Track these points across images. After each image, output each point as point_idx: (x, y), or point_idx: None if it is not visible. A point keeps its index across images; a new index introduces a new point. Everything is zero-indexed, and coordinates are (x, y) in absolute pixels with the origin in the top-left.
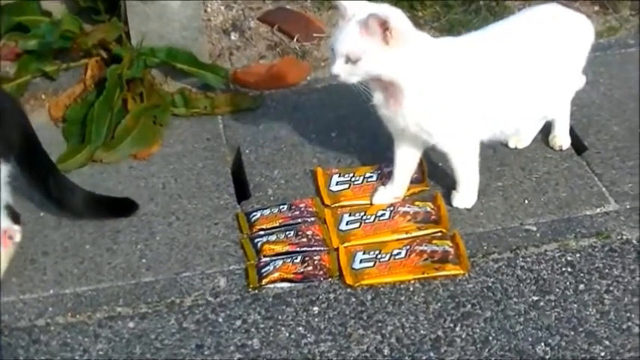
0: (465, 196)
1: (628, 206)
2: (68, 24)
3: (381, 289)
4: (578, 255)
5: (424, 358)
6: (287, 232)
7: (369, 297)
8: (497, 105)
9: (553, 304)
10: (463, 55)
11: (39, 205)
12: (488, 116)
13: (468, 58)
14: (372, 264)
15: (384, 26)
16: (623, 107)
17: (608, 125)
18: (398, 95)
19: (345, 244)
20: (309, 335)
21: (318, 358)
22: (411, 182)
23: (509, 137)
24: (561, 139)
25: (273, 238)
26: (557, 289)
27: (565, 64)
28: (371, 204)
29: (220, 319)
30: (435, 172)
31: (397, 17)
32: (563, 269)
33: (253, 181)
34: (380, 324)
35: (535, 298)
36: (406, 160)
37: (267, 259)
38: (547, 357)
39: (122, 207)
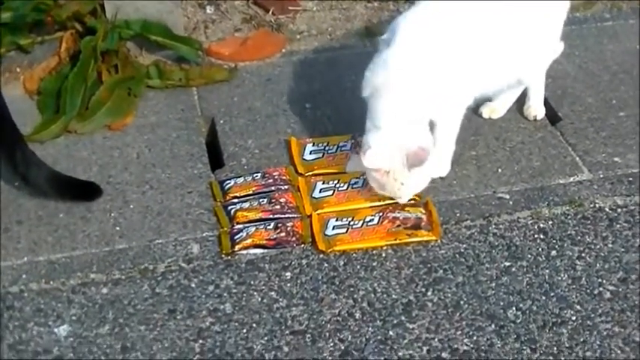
0: (440, 164)
1: (601, 175)
2: None
3: (354, 255)
4: (550, 222)
5: (395, 322)
6: (260, 200)
7: (342, 263)
8: (482, 66)
9: (525, 269)
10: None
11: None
12: (475, 78)
13: (448, 28)
14: (344, 230)
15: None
16: (598, 79)
17: (582, 97)
18: None
19: (318, 211)
20: (281, 300)
21: (289, 322)
22: None
23: (484, 104)
24: (536, 109)
25: (246, 205)
26: (530, 255)
27: (543, 25)
28: (345, 172)
29: (193, 285)
30: None
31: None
32: (536, 236)
33: (227, 151)
34: (352, 289)
35: (507, 263)
36: None
37: (241, 226)
38: (518, 321)
39: (86, 191)
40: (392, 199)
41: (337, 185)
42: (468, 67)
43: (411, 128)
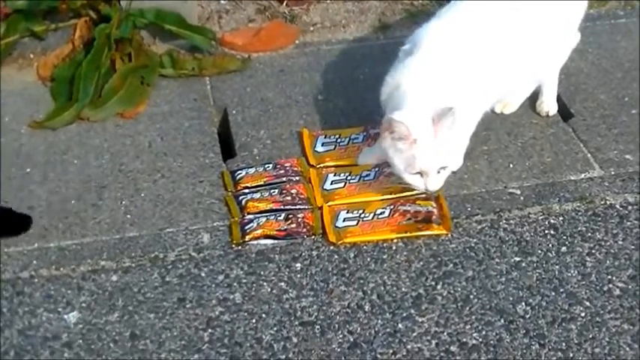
0: None
1: (612, 172)
2: None
3: (364, 247)
4: (561, 218)
5: (405, 314)
6: (271, 191)
7: (352, 255)
8: (503, 72)
9: (535, 265)
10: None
11: (25, 160)
12: (496, 84)
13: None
14: (355, 222)
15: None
16: (611, 76)
17: (595, 93)
18: None
19: (329, 203)
20: (290, 291)
21: (299, 313)
22: None
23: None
24: (548, 105)
25: (257, 195)
26: (540, 251)
27: (562, 25)
28: (356, 164)
29: (203, 274)
30: None
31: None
32: (546, 232)
33: (239, 141)
34: (362, 281)
35: (517, 259)
36: None
37: (251, 216)
38: (527, 316)
39: (15, 222)
40: (404, 190)
41: (348, 177)
42: (490, 74)
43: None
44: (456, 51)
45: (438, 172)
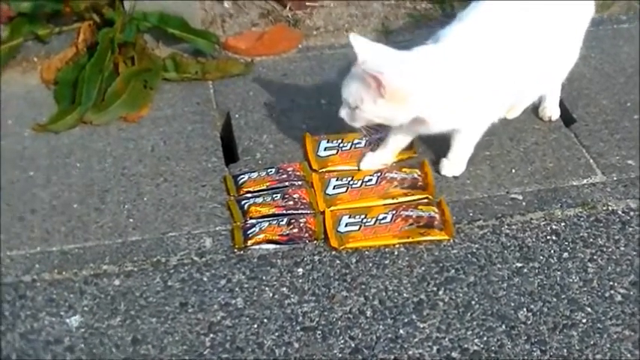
0: (455, 165)
1: (614, 178)
2: None
3: (366, 252)
4: (563, 224)
5: (406, 320)
6: (274, 195)
7: (354, 260)
8: (512, 82)
9: (537, 270)
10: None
11: (28, 164)
12: (506, 93)
13: (477, 45)
14: (357, 228)
15: (377, 82)
16: (613, 82)
17: (597, 99)
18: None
19: (332, 208)
20: (292, 296)
21: (300, 318)
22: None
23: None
24: (551, 110)
25: (259, 200)
26: (541, 257)
27: (570, 36)
28: (358, 169)
29: (205, 279)
30: (422, 138)
31: (397, 71)
32: (548, 237)
33: (242, 145)
34: (363, 286)
35: (519, 264)
36: (403, 137)
37: (254, 220)
38: (529, 322)
39: None
40: (406, 195)
41: (351, 182)
42: (502, 84)
43: None
44: (475, 53)
45: (349, 108)
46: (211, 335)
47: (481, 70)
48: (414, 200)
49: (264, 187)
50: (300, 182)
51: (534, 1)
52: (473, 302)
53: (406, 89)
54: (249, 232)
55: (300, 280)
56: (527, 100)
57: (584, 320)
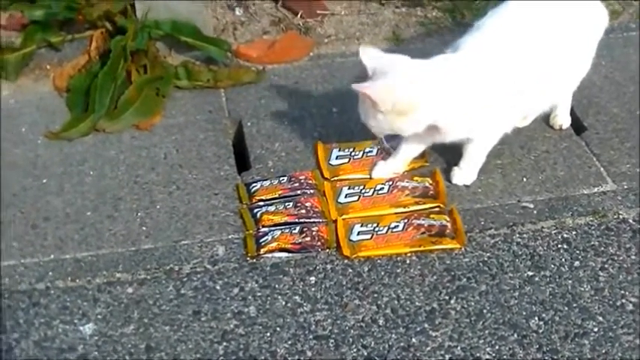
0: (467, 173)
1: (625, 186)
2: None
3: (378, 261)
4: (574, 233)
5: (418, 329)
6: (286, 204)
7: (366, 268)
8: (526, 91)
9: (548, 279)
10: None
11: (41, 171)
12: (519, 102)
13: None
14: (369, 236)
15: (368, 98)
16: (624, 90)
17: (608, 107)
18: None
19: (344, 217)
20: (305, 304)
21: (313, 326)
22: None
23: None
24: (562, 118)
25: (272, 208)
26: (553, 266)
27: (584, 49)
28: (370, 178)
29: (218, 287)
30: (433, 147)
31: (395, 86)
32: (559, 246)
33: (254, 153)
34: (376, 295)
35: (530, 273)
36: (416, 147)
37: (266, 229)
38: (540, 331)
39: None
40: (418, 204)
41: (363, 191)
42: (516, 93)
43: None
44: (489, 62)
45: None
46: (224, 343)
47: (495, 80)
48: (426, 209)
49: (277, 196)
50: (312, 190)
51: (549, 10)
52: (484, 311)
53: (404, 101)
54: (261, 240)
55: (313, 289)
56: (539, 109)
57: (595, 329)
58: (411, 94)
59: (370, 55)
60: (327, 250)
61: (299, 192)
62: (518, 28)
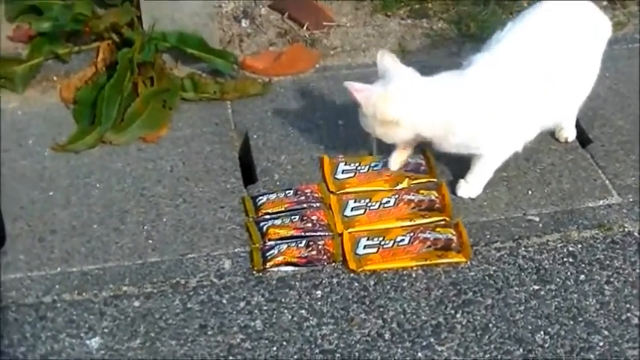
0: (473, 187)
1: (630, 199)
2: (81, 7)
3: (384, 274)
4: (579, 246)
5: (424, 343)
6: (292, 217)
7: (372, 282)
8: (539, 112)
9: (553, 293)
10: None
11: (48, 183)
12: (531, 117)
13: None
14: (375, 250)
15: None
16: (629, 102)
17: (613, 119)
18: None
19: (350, 230)
20: (311, 318)
21: (319, 341)
22: (419, 173)
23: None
24: (568, 131)
25: (278, 222)
26: (558, 279)
27: (589, 64)
28: (376, 191)
29: (224, 301)
30: (438, 161)
31: (377, 96)
32: (565, 259)
33: (260, 166)
34: (382, 309)
35: (536, 287)
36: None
37: (272, 242)
38: (546, 345)
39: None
40: (423, 217)
41: (369, 204)
42: (528, 114)
43: None
44: (504, 80)
45: None
46: (231, 358)
47: (495, 97)
48: (432, 222)
49: (283, 209)
50: (318, 204)
51: (552, 26)
52: (490, 325)
53: (383, 112)
54: (268, 254)
55: (319, 303)
56: (548, 124)
57: (601, 343)
58: (390, 108)
59: (385, 61)
60: (333, 264)
61: (305, 205)
62: (526, 45)
